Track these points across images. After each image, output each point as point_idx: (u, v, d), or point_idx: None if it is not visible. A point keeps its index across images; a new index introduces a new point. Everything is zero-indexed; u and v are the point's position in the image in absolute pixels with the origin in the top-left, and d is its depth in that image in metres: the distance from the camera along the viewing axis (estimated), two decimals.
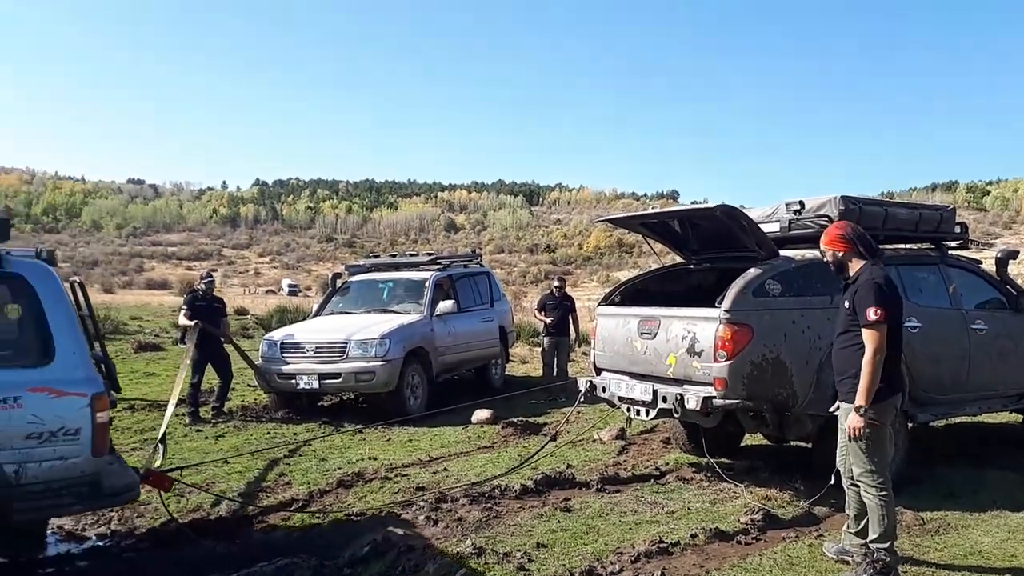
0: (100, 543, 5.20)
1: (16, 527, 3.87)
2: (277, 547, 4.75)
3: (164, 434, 6.27)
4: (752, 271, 5.70)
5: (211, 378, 9.53)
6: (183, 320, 9.46)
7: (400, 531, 4.88)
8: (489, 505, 5.48)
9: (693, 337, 5.66)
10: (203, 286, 9.77)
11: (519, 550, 4.51)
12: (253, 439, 7.99)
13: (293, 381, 9.02)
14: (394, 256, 12.46)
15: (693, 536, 4.76)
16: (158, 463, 5.75)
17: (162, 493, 5.21)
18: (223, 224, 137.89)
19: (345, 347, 8.98)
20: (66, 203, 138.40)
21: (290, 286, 70.16)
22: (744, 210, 6.06)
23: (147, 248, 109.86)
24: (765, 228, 6.10)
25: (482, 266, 12.58)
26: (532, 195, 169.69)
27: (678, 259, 7.30)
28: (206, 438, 7.98)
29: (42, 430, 3.77)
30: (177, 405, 7.13)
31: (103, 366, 4.40)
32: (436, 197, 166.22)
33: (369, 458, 7.08)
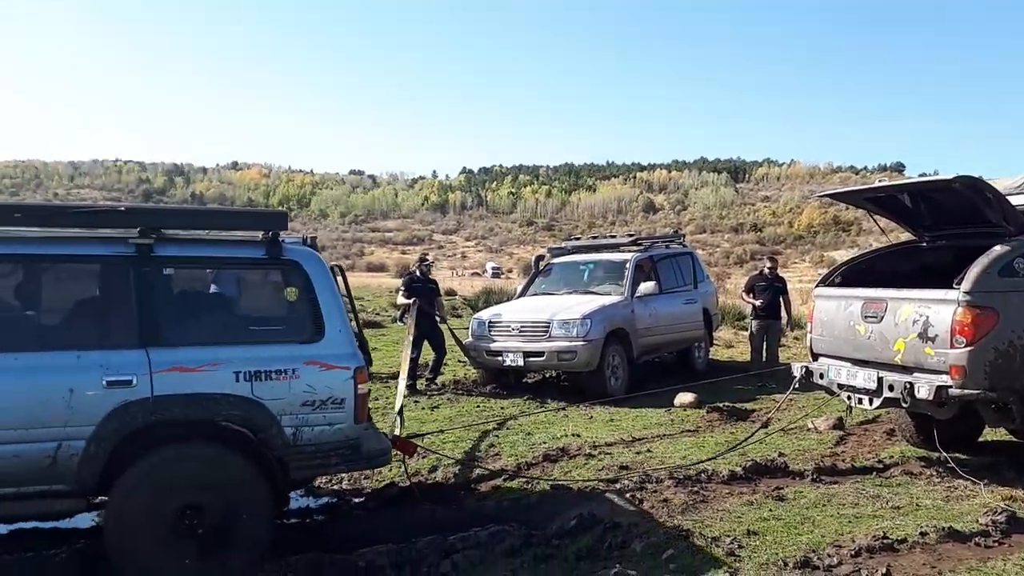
0: (333, 500, 5.76)
1: (291, 483, 4.40)
2: (489, 515, 4.99)
3: (401, 407, 6.72)
4: (998, 248, 5.10)
5: (426, 353, 10.16)
6: (401, 299, 10.17)
7: (606, 507, 4.93)
8: (695, 489, 5.38)
9: (926, 321, 5.17)
10: (421, 268, 10.46)
11: (728, 535, 4.40)
12: (464, 411, 8.41)
13: (500, 358, 9.39)
14: (595, 238, 12.50)
15: (923, 534, 4.38)
16: (399, 432, 6.20)
17: (406, 458, 5.60)
18: (433, 211, 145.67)
19: (548, 327, 9.18)
20: (298, 194, 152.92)
21: (494, 268, 72.83)
22: (988, 181, 5.42)
23: (367, 234, 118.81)
24: (1013, 201, 5.43)
25: (685, 246, 12.29)
26: (737, 172, 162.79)
27: (906, 237, 6.69)
28: (423, 408, 8.52)
29: (314, 399, 4.23)
30: (398, 378, 7.68)
31: (359, 342, 4.81)
32: (635, 178, 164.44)
33: (572, 435, 7.21)
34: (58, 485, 3.87)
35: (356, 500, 5.71)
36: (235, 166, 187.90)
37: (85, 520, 4.77)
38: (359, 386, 4.37)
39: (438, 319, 10.09)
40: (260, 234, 4.49)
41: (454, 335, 10.04)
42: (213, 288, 4.91)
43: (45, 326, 4.35)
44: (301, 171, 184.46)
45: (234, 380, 4.09)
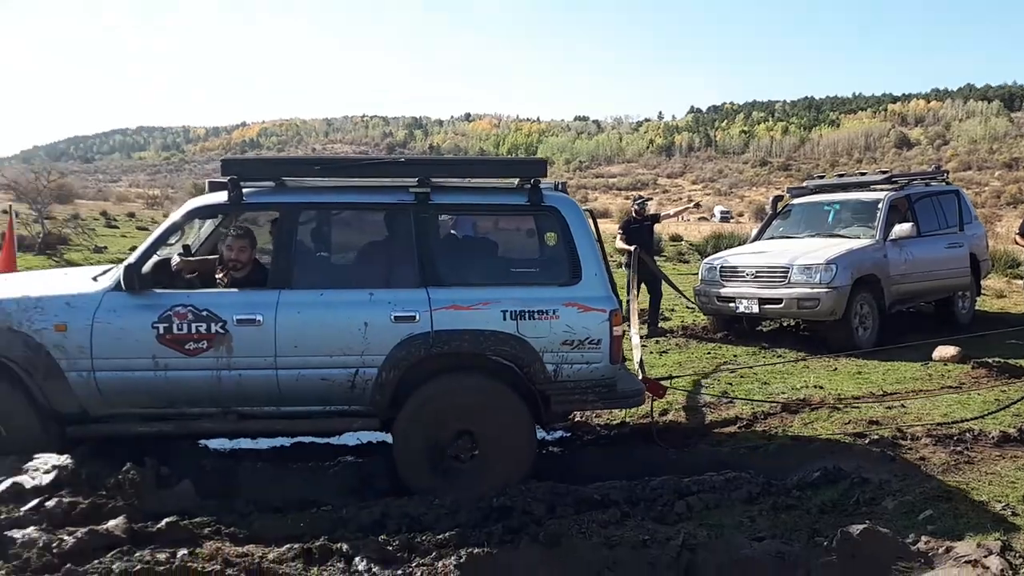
0: (566, 435, 5.95)
1: (551, 416, 4.72)
2: (723, 461, 4.90)
3: (641, 357, 6.74)
4: None
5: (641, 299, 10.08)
6: (620, 244, 10.13)
7: (853, 462, 4.64)
8: (959, 449, 4.89)
9: None
10: (636, 207, 10.38)
11: (999, 500, 3.97)
12: (694, 357, 8.27)
13: (732, 304, 9.06)
14: (841, 176, 11.52)
15: None
16: (641, 376, 6.28)
17: (652, 399, 5.67)
18: (658, 154, 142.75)
19: (787, 272, 8.68)
20: (525, 142, 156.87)
21: (722, 212, 70.03)
22: None
23: (591, 180, 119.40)
24: None
25: (948, 184, 10.97)
26: (1012, 99, 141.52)
27: None
28: (651, 353, 8.49)
29: (573, 338, 4.47)
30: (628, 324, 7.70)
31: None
32: (886, 111, 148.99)
33: (815, 386, 6.83)
34: (356, 406, 4.46)
35: (588, 437, 5.86)
36: (468, 118, 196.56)
37: (351, 438, 5.37)
38: (614, 328, 4.52)
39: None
40: (516, 181, 4.78)
41: (669, 281, 9.75)
42: (452, 232, 5.21)
43: (343, 267, 4.96)
44: (528, 120, 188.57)
45: (502, 318, 4.43)
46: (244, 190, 4.56)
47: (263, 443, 5.31)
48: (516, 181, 4.81)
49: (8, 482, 3.84)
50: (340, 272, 4.85)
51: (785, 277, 8.69)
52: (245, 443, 5.28)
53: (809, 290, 8.47)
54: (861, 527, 3.43)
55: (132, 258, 4.44)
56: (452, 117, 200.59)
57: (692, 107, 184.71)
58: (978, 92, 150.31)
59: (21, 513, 3.62)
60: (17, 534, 3.41)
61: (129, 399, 4.38)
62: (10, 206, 12.26)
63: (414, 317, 4.39)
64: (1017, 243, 9.85)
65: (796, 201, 10.80)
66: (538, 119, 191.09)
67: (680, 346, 8.97)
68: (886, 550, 3.38)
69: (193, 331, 4.32)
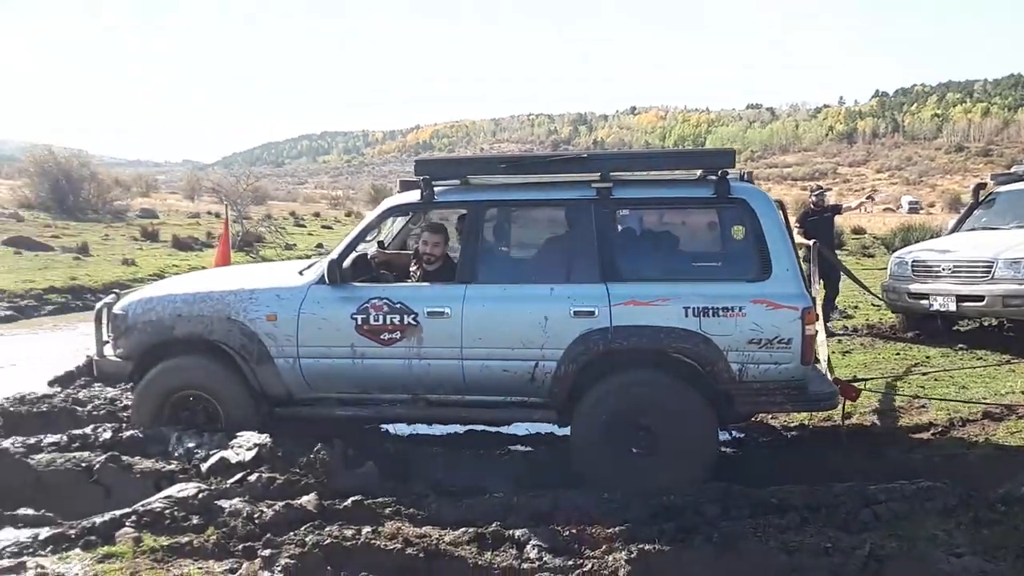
0: (740, 435, 5.74)
1: (735, 417, 4.59)
2: (915, 469, 4.53)
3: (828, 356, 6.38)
4: None
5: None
6: (798, 238, 9.58)
7: None
8: None
9: None
10: (815, 198, 9.81)
11: None
12: (881, 358, 7.72)
13: (925, 302, 8.34)
14: None
15: None
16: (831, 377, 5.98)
17: (845, 403, 5.31)
18: (839, 141, 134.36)
19: (991, 267, 7.86)
20: (693, 133, 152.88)
21: (910, 203, 64.82)
22: None
23: (764, 170, 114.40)
24: None
25: None
26: None
27: None
28: (832, 352, 7.98)
29: (760, 337, 4.30)
30: None
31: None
32: None
33: (1022, 392, 6.16)
34: (535, 397, 4.57)
35: (763, 439, 5.63)
36: (633, 111, 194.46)
37: (520, 428, 5.49)
38: (807, 327, 4.32)
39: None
40: (698, 173, 4.71)
41: (851, 275, 9.09)
42: (623, 225, 5.18)
43: (525, 262, 5.12)
44: (697, 110, 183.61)
45: (683, 315, 4.34)
46: (435, 189, 4.80)
47: (437, 430, 5.55)
48: (698, 173, 4.72)
49: (216, 457, 4.27)
50: (522, 267, 4.99)
51: (988, 272, 7.88)
52: (421, 429, 5.55)
53: (1017, 286, 7.63)
54: None
55: (334, 254, 4.78)
56: (617, 111, 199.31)
57: (877, 91, 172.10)
58: None
59: (227, 485, 4.02)
60: (225, 504, 3.78)
61: (329, 384, 4.75)
62: (227, 207, 13.65)
63: (593, 312, 4.41)
64: None
65: (1002, 189, 9.75)
66: (707, 109, 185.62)
67: (865, 346, 8.40)
68: None
69: (388, 322, 4.59)
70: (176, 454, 4.42)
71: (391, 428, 5.55)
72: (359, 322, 4.61)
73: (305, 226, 31.78)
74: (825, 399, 4.55)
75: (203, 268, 13.76)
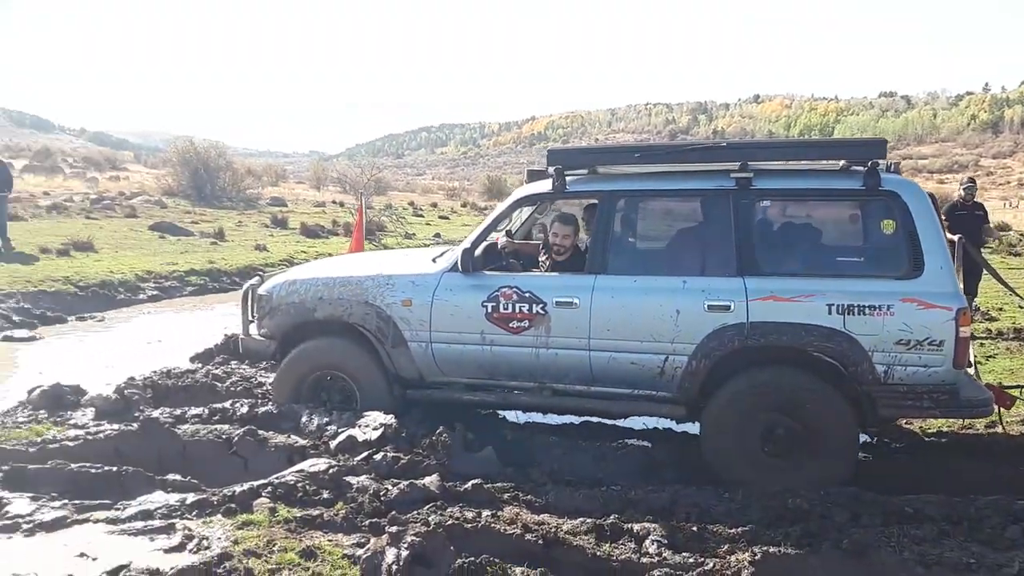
0: (871, 440, 5.45)
1: (878, 420, 4.35)
2: None
3: (974, 359, 6.02)
4: None
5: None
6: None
7: None
8: None
9: None
10: (962, 192, 9.17)
11: None
12: (1021, 366, 7.15)
13: None
14: None
15: None
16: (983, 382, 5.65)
17: (1002, 410, 5.03)
18: (982, 131, 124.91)
19: None
20: (820, 123, 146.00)
21: None
22: None
23: (897, 162, 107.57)
24: None
25: None
26: None
27: None
28: (974, 357, 7.49)
29: (910, 338, 4.10)
30: None
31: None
32: None
33: None
34: (663, 392, 4.52)
35: (897, 444, 5.34)
36: (756, 99, 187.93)
37: (636, 423, 5.44)
38: (961, 329, 4.08)
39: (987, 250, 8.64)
40: (840, 163, 4.56)
41: (997, 276, 8.41)
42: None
43: (657, 253, 5.04)
44: (825, 98, 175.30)
45: (826, 312, 4.17)
46: (567, 178, 4.81)
47: (553, 419, 5.58)
48: (840, 163, 4.53)
49: (345, 435, 4.46)
50: (654, 259, 4.92)
51: None
52: (538, 418, 5.59)
53: None
54: None
55: (467, 242, 4.89)
56: (739, 100, 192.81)
57: None
58: None
59: (355, 462, 4.20)
60: (352, 480, 3.96)
61: (459, 369, 4.87)
62: (360, 196, 14.16)
63: (728, 307, 4.31)
64: None
65: None
66: (836, 97, 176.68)
67: (1011, 351, 7.79)
68: None
69: (517, 310, 4.66)
70: (307, 431, 4.65)
71: (509, 415, 5.62)
72: (489, 310, 4.70)
73: (423, 216, 32.57)
74: (979, 406, 4.24)
75: (330, 255, 14.39)
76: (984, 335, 8.53)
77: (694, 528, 3.55)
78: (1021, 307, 9.67)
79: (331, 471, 3.98)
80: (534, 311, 4.63)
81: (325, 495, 3.81)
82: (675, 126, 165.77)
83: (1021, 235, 23.17)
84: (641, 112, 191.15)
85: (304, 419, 4.75)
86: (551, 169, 4.78)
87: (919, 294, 4.11)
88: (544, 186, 4.94)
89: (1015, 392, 5.23)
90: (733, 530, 3.51)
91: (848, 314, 4.14)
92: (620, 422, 5.48)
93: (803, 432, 4.25)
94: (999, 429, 5.32)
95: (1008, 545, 3.44)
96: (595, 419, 5.49)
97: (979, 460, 4.78)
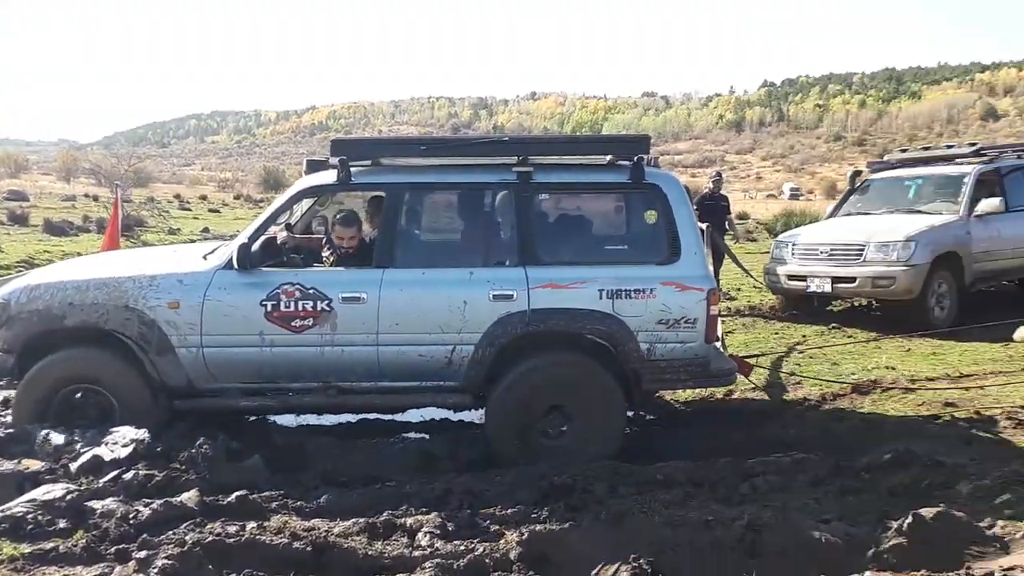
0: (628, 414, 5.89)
1: (642, 394, 4.73)
2: (790, 442, 4.79)
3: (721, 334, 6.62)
4: None
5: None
6: None
7: (926, 445, 4.47)
8: None
9: None
10: (710, 185, 10.20)
11: None
12: (760, 338, 8.09)
13: (804, 283, 8.80)
14: (927, 149, 11.01)
15: None
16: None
17: (741, 378, 5.51)
18: (728, 129, 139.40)
19: (863, 250, 8.36)
20: (591, 120, 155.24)
21: (792, 190, 68.14)
22: None
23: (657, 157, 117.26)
24: None
25: None
26: None
27: None
28: None
29: (669, 317, 4.48)
30: None
31: None
32: (973, 80, 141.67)
33: (886, 367, 6.60)
34: (450, 381, 4.56)
35: (649, 416, 5.81)
36: (533, 96, 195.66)
37: (414, 415, 5.45)
38: (711, 307, 4.53)
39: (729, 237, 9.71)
40: (607, 158, 4.81)
41: (735, 259, 9.47)
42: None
43: (444, 245, 5.09)
44: (595, 97, 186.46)
45: (598, 297, 4.45)
46: (352, 170, 4.68)
47: (329, 419, 5.44)
48: (607, 158, 4.81)
49: (89, 455, 4.02)
50: (441, 251, 4.98)
51: (860, 255, 8.38)
52: (311, 419, 5.42)
53: (885, 268, 8.16)
54: (935, 510, 3.31)
55: (244, 237, 4.60)
56: (517, 96, 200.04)
57: (765, 80, 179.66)
58: None
59: (100, 484, 3.80)
60: (96, 504, 3.57)
61: (235, 374, 4.57)
62: (116, 188, 12.69)
63: (512, 295, 4.45)
64: None
65: (875, 176, 10.39)
66: (604, 96, 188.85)
67: (747, 326, 8.78)
68: (960, 534, 3.25)
69: (300, 308, 4.48)
70: (44, 453, 4.14)
71: (279, 420, 5.39)
72: (269, 308, 4.48)
73: (191, 210, 30.42)
74: (725, 375, 4.77)
75: (79, 254, 12.94)
76: (725, 313, 9.52)
77: (467, 514, 3.61)
78: (756, 287, 10.93)
79: (70, 497, 3.56)
80: (319, 308, 4.47)
81: (62, 524, 3.39)
82: (457, 120, 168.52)
83: (758, 223, 26.15)
84: (424, 105, 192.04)
85: (40, 440, 4.22)
86: (335, 160, 4.65)
87: (677, 277, 4.50)
88: (327, 177, 4.80)
89: (752, 361, 5.92)
90: (504, 512, 3.61)
91: (616, 298, 4.45)
92: (398, 416, 5.46)
93: (579, 411, 4.51)
94: (735, 396, 5.97)
95: (740, 500, 3.87)
96: (372, 415, 5.42)
97: (718, 425, 5.32)
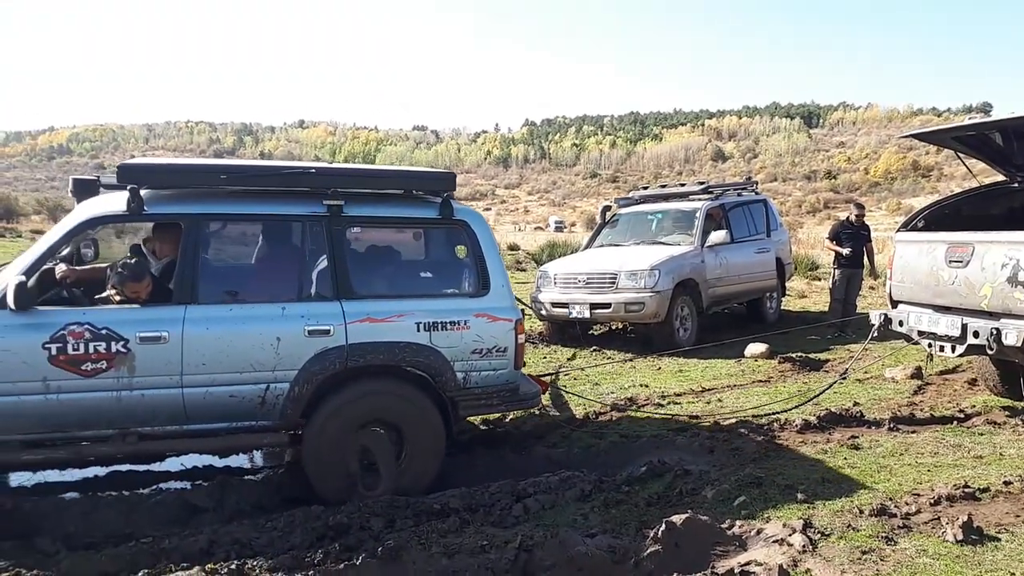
0: None
1: (459, 421, 4.80)
2: (559, 461, 5.04)
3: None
4: None
5: None
6: None
7: (676, 455, 4.93)
8: (768, 438, 5.33)
9: (1016, 265, 4.94)
10: None
11: (802, 483, 4.35)
12: (530, 362, 8.44)
13: (566, 310, 9.39)
14: (664, 187, 12.26)
15: (1007, 483, 4.25)
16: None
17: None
18: (496, 165, 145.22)
19: (615, 278, 9.11)
20: (363, 151, 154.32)
21: (556, 222, 72.32)
22: None
23: None
24: None
25: (758, 194, 11.93)
26: (811, 117, 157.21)
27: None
28: None
29: (482, 347, 4.63)
30: None
31: None
32: (703, 126, 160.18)
33: (641, 385, 7.20)
34: (263, 421, 4.32)
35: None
36: (302, 124, 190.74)
37: (174, 463, 5.04)
38: (519, 336, 4.76)
39: None
40: (400, 192, 4.81)
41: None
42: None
43: (251, 279, 4.76)
44: (366, 128, 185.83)
45: (415, 330, 4.50)
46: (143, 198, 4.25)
47: (72, 475, 4.86)
48: (401, 192, 4.82)
49: None
50: (248, 285, 4.67)
51: (613, 283, 9.11)
52: (52, 476, 4.81)
53: (635, 295, 8.93)
54: (683, 517, 3.65)
55: (16, 274, 4.00)
56: (285, 123, 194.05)
57: (527, 120, 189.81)
58: (782, 110, 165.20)
59: None
60: None
61: (12, 426, 3.98)
62: None
63: (328, 331, 4.34)
64: (829, 247, 10.82)
65: (623, 211, 11.36)
66: (376, 127, 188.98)
67: (533, 348, 9.14)
68: (705, 536, 3.62)
69: (91, 351, 4.01)
70: None
71: (9, 480, 4.73)
72: (54, 351, 3.96)
73: None
74: (532, 397, 5.04)
75: None
76: None
77: (234, 566, 3.39)
78: (526, 314, 11.45)
79: None
80: (113, 350, 4.04)
81: None
82: (220, 146, 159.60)
83: (527, 253, 27.44)
84: (182, 129, 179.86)
85: None
86: (127, 186, 4.21)
87: (488, 309, 4.68)
88: (115, 206, 4.30)
89: (547, 379, 6.23)
90: (274, 560, 3.45)
91: (433, 330, 4.53)
92: (155, 466, 5.01)
93: (398, 441, 4.51)
94: (508, 418, 6.18)
95: (514, 522, 4.00)
96: (125, 467, 4.92)
97: (494, 448, 5.46)
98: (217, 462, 5.07)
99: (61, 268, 4.71)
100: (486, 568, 3.38)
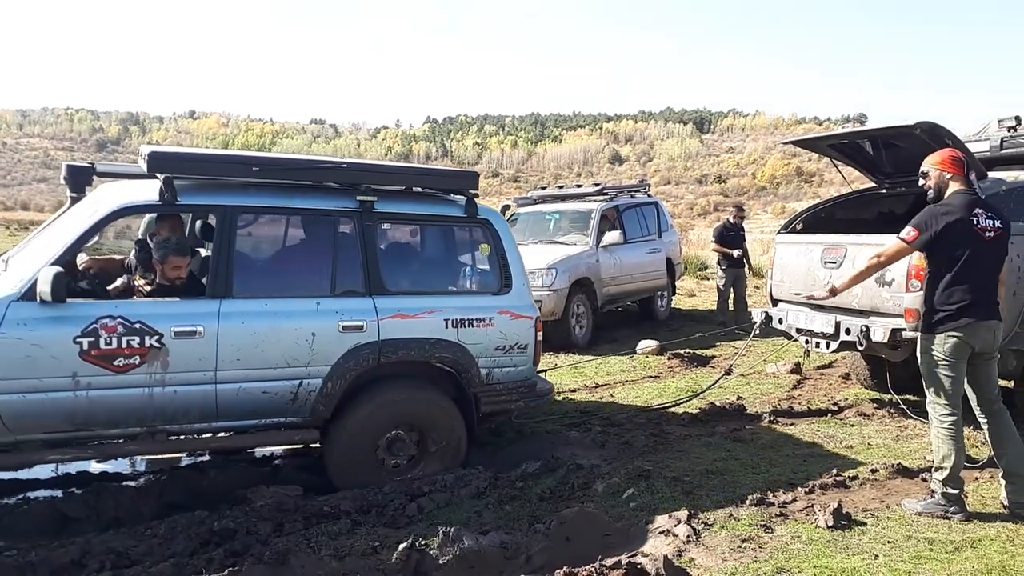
0: (296, 446, 5.74)
1: (480, 417, 4.87)
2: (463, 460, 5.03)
3: None
4: None
5: None
6: None
7: (569, 451, 5.01)
8: (656, 432, 5.50)
9: None
10: None
11: (687, 475, 4.51)
12: None
13: None
14: (561, 188, 12.45)
15: (873, 471, 4.55)
16: None
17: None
18: (397, 161, 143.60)
19: None
20: (258, 143, 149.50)
21: None
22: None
23: None
24: (972, 148, 5.52)
25: (650, 196, 12.30)
26: (703, 123, 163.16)
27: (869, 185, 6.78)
28: None
29: (505, 344, 4.76)
30: None
31: None
32: (601, 129, 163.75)
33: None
34: (293, 418, 4.29)
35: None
36: (192, 115, 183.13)
37: (44, 471, 4.74)
38: (538, 333, 4.90)
39: None
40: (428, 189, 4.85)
41: None
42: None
43: (285, 273, 4.65)
44: (260, 120, 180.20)
45: (444, 326, 4.57)
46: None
47: None
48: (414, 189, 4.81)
49: None
50: (283, 280, 4.53)
51: None
52: None
53: (534, 293, 8.99)
54: (573, 511, 3.72)
55: (48, 263, 3.75)
56: (175, 113, 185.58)
57: (429, 117, 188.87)
58: (676, 115, 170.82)
59: None
60: None
61: (38, 424, 3.74)
62: None
63: (362, 326, 4.33)
64: (718, 249, 11.23)
65: (522, 211, 11.47)
66: (271, 120, 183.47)
67: None
68: (595, 529, 3.69)
69: (125, 345, 3.84)
70: None
71: None
72: (85, 346, 3.73)
73: None
74: (547, 394, 5.14)
75: None
76: None
77: None
78: None
79: None
80: (147, 344, 3.87)
81: None
82: (103, 135, 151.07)
83: None
84: (61, 117, 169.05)
85: None
86: (160, 176, 3.99)
87: (510, 307, 4.79)
88: (148, 195, 4.09)
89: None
90: (153, 569, 3.29)
91: (461, 327, 4.60)
92: (22, 474, 4.69)
93: (426, 437, 4.57)
94: None
95: (407, 522, 3.97)
96: None
97: None
98: (92, 468, 4.80)
99: (83, 258, 4.60)
100: (377, 569, 3.33)
